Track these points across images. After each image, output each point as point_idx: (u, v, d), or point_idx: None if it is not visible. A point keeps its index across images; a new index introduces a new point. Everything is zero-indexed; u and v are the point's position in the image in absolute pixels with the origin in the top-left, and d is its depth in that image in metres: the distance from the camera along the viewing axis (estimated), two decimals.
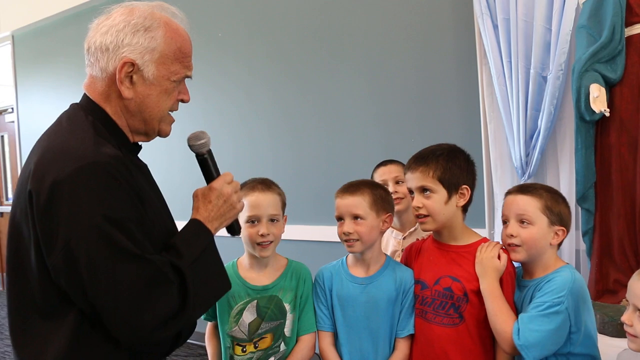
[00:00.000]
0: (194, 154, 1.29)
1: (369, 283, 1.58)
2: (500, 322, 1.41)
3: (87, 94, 1.19)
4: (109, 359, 1.10)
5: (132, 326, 1.04)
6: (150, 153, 1.51)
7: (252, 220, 1.51)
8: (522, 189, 1.50)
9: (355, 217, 1.54)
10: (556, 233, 1.46)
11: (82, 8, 4.72)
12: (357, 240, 1.54)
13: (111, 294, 1.02)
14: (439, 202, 1.49)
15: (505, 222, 1.50)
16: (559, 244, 1.50)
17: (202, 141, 1.26)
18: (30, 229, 1.06)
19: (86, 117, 1.15)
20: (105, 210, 1.02)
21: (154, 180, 1.33)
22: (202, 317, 1.63)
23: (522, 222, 1.46)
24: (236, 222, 1.32)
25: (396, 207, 1.88)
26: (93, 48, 1.15)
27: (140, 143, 1.31)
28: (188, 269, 1.10)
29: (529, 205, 1.45)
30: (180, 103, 1.25)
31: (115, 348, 1.09)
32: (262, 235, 1.50)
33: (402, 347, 1.56)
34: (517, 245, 1.46)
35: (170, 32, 1.16)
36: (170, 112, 1.25)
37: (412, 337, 1.57)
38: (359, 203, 1.54)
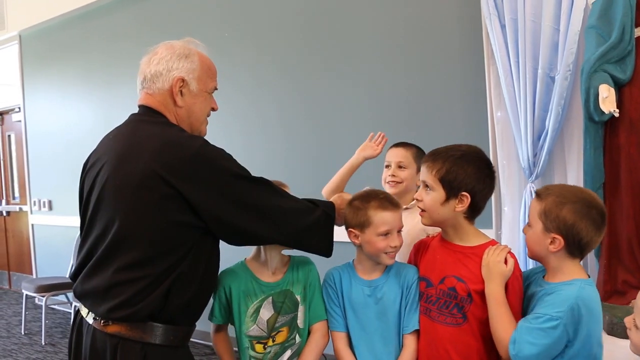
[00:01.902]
0: None
1: (376, 286, 1.59)
2: (500, 329, 1.40)
3: (146, 105, 1.52)
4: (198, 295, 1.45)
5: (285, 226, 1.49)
6: None
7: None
8: (538, 190, 1.45)
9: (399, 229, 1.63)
10: (552, 240, 1.38)
11: (89, 8, 4.74)
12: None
13: (264, 210, 1.44)
14: (435, 201, 1.49)
15: None
16: (573, 254, 1.40)
17: None
18: (160, 199, 1.35)
19: (162, 119, 1.50)
20: (234, 164, 1.44)
21: None
22: (211, 319, 1.65)
23: (528, 224, 1.45)
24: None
25: (391, 190, 1.94)
26: (149, 75, 1.51)
27: None
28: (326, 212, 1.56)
29: (532, 207, 1.43)
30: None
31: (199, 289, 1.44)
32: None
33: (410, 344, 1.56)
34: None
35: (202, 57, 1.56)
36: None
37: (418, 333, 1.56)
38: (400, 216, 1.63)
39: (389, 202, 1.59)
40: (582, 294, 1.35)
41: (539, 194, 1.43)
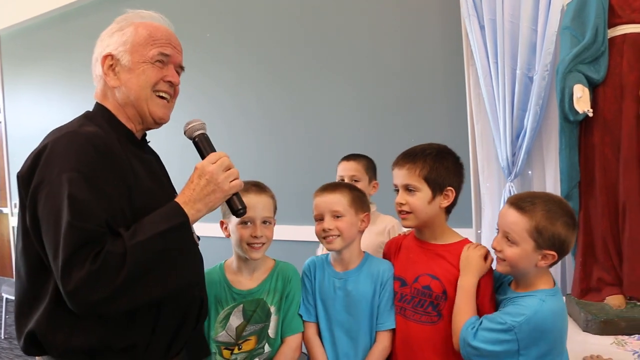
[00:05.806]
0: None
1: (347, 278, 1.59)
2: (461, 320, 1.40)
3: (96, 100, 1.38)
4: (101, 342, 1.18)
5: (64, 280, 1.08)
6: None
7: (245, 222, 1.52)
8: (517, 202, 1.38)
9: (335, 214, 1.56)
10: (544, 256, 1.35)
11: (70, 8, 4.68)
12: (338, 236, 1.56)
13: (51, 247, 1.11)
14: (422, 201, 1.50)
15: (498, 230, 1.45)
16: (551, 265, 1.38)
17: (191, 125, 1.36)
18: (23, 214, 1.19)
19: (85, 113, 1.36)
20: (75, 168, 1.12)
21: (159, 170, 1.44)
22: None
23: (507, 238, 1.38)
24: (239, 200, 1.30)
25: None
26: (92, 64, 1.37)
27: (148, 139, 1.47)
28: (134, 245, 1.11)
29: (517, 224, 1.35)
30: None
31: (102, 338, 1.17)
32: (255, 237, 1.52)
33: (382, 339, 1.56)
34: (502, 259, 1.41)
35: (141, 26, 1.35)
36: (161, 95, 1.36)
37: (393, 332, 1.57)
38: (339, 200, 1.57)
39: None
40: (543, 307, 1.32)
41: (522, 208, 1.35)
